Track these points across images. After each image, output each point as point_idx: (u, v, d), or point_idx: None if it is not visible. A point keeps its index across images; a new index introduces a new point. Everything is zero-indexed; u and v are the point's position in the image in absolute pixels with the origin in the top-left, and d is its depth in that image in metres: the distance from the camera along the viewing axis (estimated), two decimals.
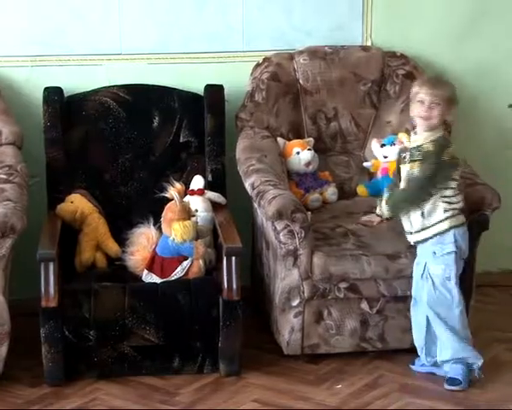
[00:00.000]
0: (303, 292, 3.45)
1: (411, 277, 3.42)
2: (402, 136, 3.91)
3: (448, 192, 3.28)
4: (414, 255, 3.42)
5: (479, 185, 3.56)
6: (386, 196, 3.46)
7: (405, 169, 3.34)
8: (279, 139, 3.93)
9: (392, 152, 3.89)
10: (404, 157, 3.36)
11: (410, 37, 4.16)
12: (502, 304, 4.17)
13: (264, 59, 4.03)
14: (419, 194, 3.28)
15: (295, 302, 3.46)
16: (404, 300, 3.47)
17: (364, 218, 3.60)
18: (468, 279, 3.46)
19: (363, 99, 4.08)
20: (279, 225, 3.42)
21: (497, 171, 3.99)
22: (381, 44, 4.14)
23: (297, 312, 3.47)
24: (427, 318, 3.32)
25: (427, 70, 4.10)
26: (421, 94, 3.26)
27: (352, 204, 3.90)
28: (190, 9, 4.02)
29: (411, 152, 3.28)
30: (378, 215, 3.52)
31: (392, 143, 3.93)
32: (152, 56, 4.03)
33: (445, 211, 3.27)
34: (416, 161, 3.26)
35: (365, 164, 4.03)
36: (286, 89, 4.01)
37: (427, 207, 3.27)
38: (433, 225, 3.29)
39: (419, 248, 3.36)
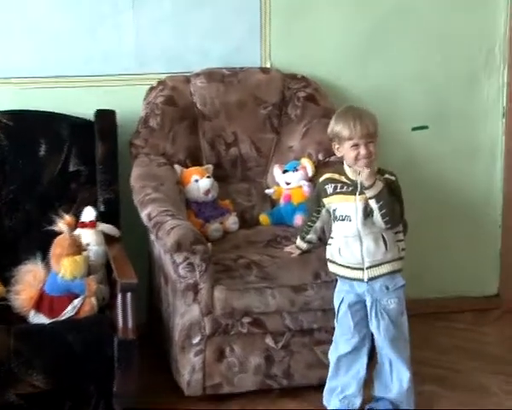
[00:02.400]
0: (204, 329, 3.46)
1: (318, 309, 3.45)
2: (305, 161, 3.96)
3: (400, 227, 3.36)
4: (320, 287, 3.47)
5: None
6: (305, 228, 3.54)
7: (348, 204, 3.32)
8: (176, 166, 3.95)
9: (294, 178, 3.95)
10: (329, 188, 3.36)
11: (309, 58, 4.22)
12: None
13: (158, 82, 4.05)
14: (397, 217, 3.32)
15: (196, 340, 3.47)
16: (311, 333, 3.51)
17: (287, 248, 3.63)
18: None
19: (264, 123, 4.13)
20: (178, 258, 3.42)
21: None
22: (280, 66, 4.20)
23: (198, 350, 3.48)
24: (387, 360, 3.39)
25: (329, 92, 4.19)
26: (355, 140, 3.24)
27: (254, 233, 3.92)
28: (80, 30, 4.02)
29: (362, 188, 3.28)
30: (298, 247, 3.58)
31: (295, 169, 3.97)
32: (38, 80, 4.01)
33: (402, 249, 3.36)
34: (377, 196, 3.26)
35: (267, 191, 4.07)
36: (182, 113, 4.04)
37: (388, 241, 3.31)
38: (392, 261, 3.32)
39: (367, 289, 3.35)
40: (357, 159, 3.24)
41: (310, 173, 3.95)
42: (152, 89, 4.03)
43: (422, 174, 4.44)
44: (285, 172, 4.00)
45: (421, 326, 4.13)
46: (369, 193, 3.22)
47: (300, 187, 3.95)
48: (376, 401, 3.44)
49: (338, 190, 3.34)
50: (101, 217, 3.75)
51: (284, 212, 3.98)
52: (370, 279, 3.30)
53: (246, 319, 3.47)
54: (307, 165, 3.96)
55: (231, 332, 3.47)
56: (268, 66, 4.20)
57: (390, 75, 4.34)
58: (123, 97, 4.03)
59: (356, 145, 3.23)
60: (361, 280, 3.31)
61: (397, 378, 3.38)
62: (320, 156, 3.97)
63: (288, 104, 4.15)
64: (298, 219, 3.87)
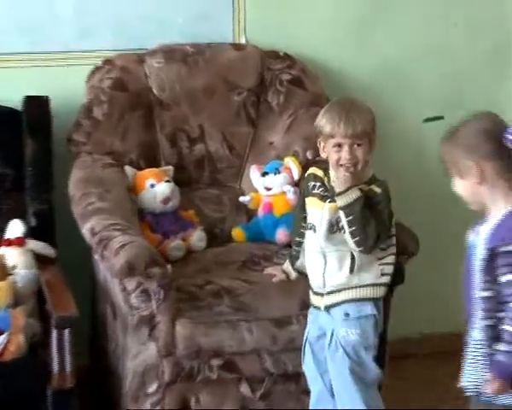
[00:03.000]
0: (163, 374, 3.47)
1: (303, 347, 3.48)
2: (289, 161, 4.01)
3: (391, 249, 3.41)
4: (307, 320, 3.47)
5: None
6: (294, 248, 3.55)
7: (324, 211, 3.39)
8: (127, 168, 3.96)
9: (276, 182, 3.98)
10: (319, 189, 3.42)
11: (294, 31, 4.28)
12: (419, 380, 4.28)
13: (104, 61, 4.07)
14: (378, 235, 3.36)
15: (152, 388, 3.48)
16: (297, 379, 3.55)
17: (269, 269, 3.67)
18: (380, 348, 3.51)
19: (238, 113, 4.17)
20: (129, 284, 3.41)
21: (414, 203, 4.23)
22: (258, 41, 4.24)
23: (155, 401, 3.49)
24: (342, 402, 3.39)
25: (320, 74, 4.25)
26: (337, 138, 3.31)
27: (226, 252, 3.95)
28: None
29: (338, 196, 3.33)
30: (284, 271, 3.59)
31: (277, 171, 4.01)
32: None
33: (383, 275, 3.39)
34: (347, 206, 3.30)
35: (242, 199, 4.10)
36: (135, 101, 4.07)
37: (360, 263, 3.35)
38: (359, 287, 3.37)
39: (324, 318, 3.42)
40: (338, 163, 3.31)
41: (296, 176, 3.97)
42: (96, 70, 4.04)
43: (435, 175, 4.43)
44: (265, 174, 4.02)
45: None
46: (339, 201, 3.30)
47: (284, 194, 3.97)
48: None
49: (314, 191, 3.42)
50: (32, 233, 3.75)
51: (263, 225, 4.01)
52: (327, 308, 3.38)
53: (215, 362, 3.48)
54: (292, 166, 3.99)
55: (197, 378, 3.48)
56: (242, 41, 4.26)
57: (395, 52, 4.41)
58: (59, 81, 4.05)
59: (338, 145, 3.30)
60: (318, 308, 3.40)
61: None
62: (308, 155, 3.97)
63: (268, 89, 4.19)
64: (281, 235, 3.91)
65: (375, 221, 3.29)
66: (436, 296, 4.57)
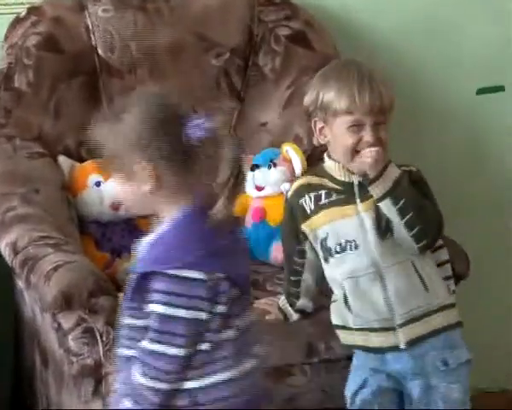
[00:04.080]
0: None
1: (312, 408, 3.59)
2: (289, 149, 4.10)
3: (444, 256, 3.46)
4: (318, 370, 3.56)
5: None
6: (291, 288, 3.57)
7: (349, 219, 3.40)
8: (62, 159, 4.04)
9: (271, 179, 4.08)
10: (331, 197, 3.42)
11: None
12: None
13: (29, 10, 4.14)
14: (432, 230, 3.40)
15: None
16: None
17: (261, 301, 3.67)
18: None
19: (217, 83, 4.29)
20: (66, 321, 3.46)
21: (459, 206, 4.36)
22: None
23: None
24: None
25: (331, 26, 4.36)
26: (356, 115, 3.30)
27: None
28: None
29: (363, 188, 3.37)
30: (280, 309, 3.61)
31: (272, 164, 4.09)
32: None
33: (448, 279, 3.44)
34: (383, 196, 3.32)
35: None
36: (72, 66, 4.15)
37: (425, 273, 3.37)
38: (443, 309, 3.40)
39: (401, 358, 3.41)
40: (356, 148, 3.31)
41: (297, 170, 4.04)
42: (17, 22, 4.11)
43: (492, 158, 4.73)
44: (254, 168, 4.10)
45: None
46: (377, 190, 3.32)
47: (281, 195, 3.98)
48: None
49: (323, 202, 3.41)
50: None
51: (253, 239, 4.02)
52: (411, 344, 3.36)
53: None
54: (293, 155, 4.05)
55: None
56: None
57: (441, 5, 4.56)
58: None
59: (358, 125, 3.30)
60: (394, 348, 3.37)
61: None
62: (315, 140, 3.80)
63: (259, 49, 4.30)
64: (277, 252, 3.96)
65: (428, 203, 3.37)
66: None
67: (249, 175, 4.03)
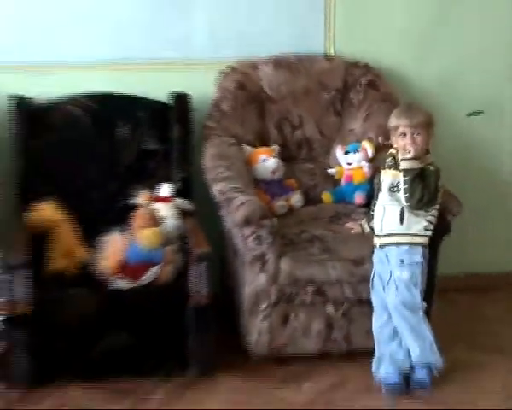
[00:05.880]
0: (270, 296, 3.52)
1: (371, 279, 3.52)
2: (365, 143, 4.03)
3: (433, 213, 3.41)
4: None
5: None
6: (371, 212, 3.59)
7: (388, 177, 3.45)
8: (245, 146, 4.00)
9: (355, 159, 4.03)
10: (390, 162, 3.47)
11: (372, 45, 4.27)
12: (464, 308, 4.33)
13: (229, 68, 4.11)
14: (425, 199, 3.36)
15: (263, 306, 3.54)
16: (369, 303, 3.53)
17: (348, 224, 3.70)
18: (430, 284, 3.53)
19: (328, 107, 4.18)
20: (247, 231, 3.48)
21: (456, 174, 4.12)
22: (343, 53, 4.24)
23: (264, 315, 3.55)
24: (397, 326, 3.45)
25: (390, 79, 4.24)
26: (401, 128, 3.36)
27: (317, 210, 3.98)
28: (157, 17, 4.10)
29: (401, 166, 3.40)
30: (361, 226, 3.63)
31: (356, 151, 4.04)
32: (117, 66, 4.09)
33: (426, 229, 3.41)
34: (405, 173, 3.36)
35: (330, 171, 4.11)
36: (251, 98, 4.10)
37: (409, 217, 3.38)
38: (408, 235, 3.39)
39: (381, 255, 3.44)
40: (403, 148, 3.36)
41: (370, 155, 4.01)
42: (224, 74, 4.08)
43: (478, 159, 4.51)
44: (347, 153, 4.06)
45: (468, 300, 4.36)
46: (402, 164, 3.34)
47: (361, 168, 4.02)
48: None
49: (386, 165, 3.47)
50: (177, 193, 3.81)
51: (345, 191, 4.05)
52: (381, 246, 3.42)
53: (309, 289, 3.53)
54: (368, 147, 4.01)
55: (295, 300, 3.54)
56: (332, 53, 4.23)
57: (450, 62, 4.37)
58: (197, 82, 4.06)
59: (403, 134, 3.35)
60: (378, 247, 3.44)
61: (405, 347, 3.47)
62: (380, 140, 3.95)
63: (350, 90, 4.17)
64: (358, 198, 3.97)
65: (421, 186, 3.30)
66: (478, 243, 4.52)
67: (343, 157, 4.07)
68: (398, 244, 3.39)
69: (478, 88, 4.45)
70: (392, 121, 3.42)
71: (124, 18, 4.08)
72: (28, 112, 3.89)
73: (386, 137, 3.56)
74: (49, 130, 3.92)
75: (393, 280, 3.40)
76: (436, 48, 4.35)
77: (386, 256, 3.42)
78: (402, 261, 3.39)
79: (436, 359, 3.47)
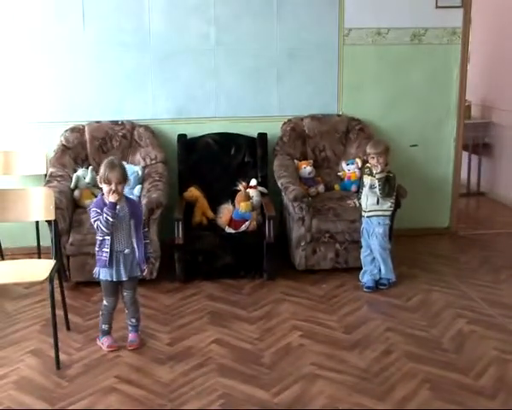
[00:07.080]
0: (306, 238, 3.57)
1: (361, 232, 3.50)
2: (357, 160, 3.97)
3: (391, 200, 3.37)
4: (363, 221, 3.50)
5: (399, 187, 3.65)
6: (359, 195, 3.47)
7: (368, 180, 3.35)
8: (295, 160, 3.97)
9: (352, 168, 3.93)
10: (368, 171, 3.35)
11: (361, 109, 4.10)
12: (406, 246, 4.05)
13: (288, 120, 4.06)
14: (389, 192, 3.31)
15: (302, 243, 3.59)
16: (359, 243, 3.47)
17: (348, 201, 3.60)
18: (390, 234, 3.45)
19: (338, 141, 4.08)
20: (295, 204, 3.54)
21: (405, 176, 3.96)
22: (347, 112, 4.12)
23: (303, 248, 3.59)
24: (376, 256, 3.41)
25: (370, 126, 4.13)
26: (371, 154, 3.32)
27: (332, 194, 3.91)
28: (244, 85, 3.92)
29: (376, 176, 3.25)
30: (354, 202, 3.55)
31: (352, 163, 3.98)
32: (231, 119, 4.03)
33: (390, 207, 3.39)
34: (378, 180, 3.21)
35: (339, 174, 4.04)
36: (298, 135, 4.06)
37: (381, 201, 3.32)
38: (381, 210, 3.35)
39: (368, 221, 3.39)
40: (374, 165, 3.32)
41: (359, 166, 3.89)
42: (285, 123, 4.04)
43: (413, 166, 4.26)
44: (347, 164, 3.95)
45: (408, 241, 4.13)
46: (377, 176, 3.34)
47: (355, 172, 3.92)
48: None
49: (366, 173, 3.41)
50: (259, 184, 3.80)
51: (347, 184, 3.96)
52: (368, 217, 3.39)
53: (327, 235, 3.56)
54: (358, 161, 3.93)
55: (320, 241, 3.57)
56: (341, 113, 4.13)
57: (402, 118, 4.17)
58: (269, 127, 3.98)
59: (372, 157, 3.34)
60: (364, 217, 3.45)
61: (378, 267, 3.41)
62: (365, 158, 3.68)
63: (349, 132, 4.06)
64: (354, 188, 3.87)
65: (388, 186, 3.27)
66: (414, 212, 4.19)
67: (346, 166, 3.91)
68: (377, 216, 3.42)
69: (417, 131, 4.27)
70: (367, 150, 3.45)
71: (232, 90, 3.98)
72: (186, 142, 4.02)
73: (367, 157, 3.51)
74: (195, 151, 4.00)
75: (375, 234, 3.43)
76: (392, 110, 4.23)
77: (370, 221, 3.47)
78: (379, 223, 3.43)
79: (392, 275, 3.53)
